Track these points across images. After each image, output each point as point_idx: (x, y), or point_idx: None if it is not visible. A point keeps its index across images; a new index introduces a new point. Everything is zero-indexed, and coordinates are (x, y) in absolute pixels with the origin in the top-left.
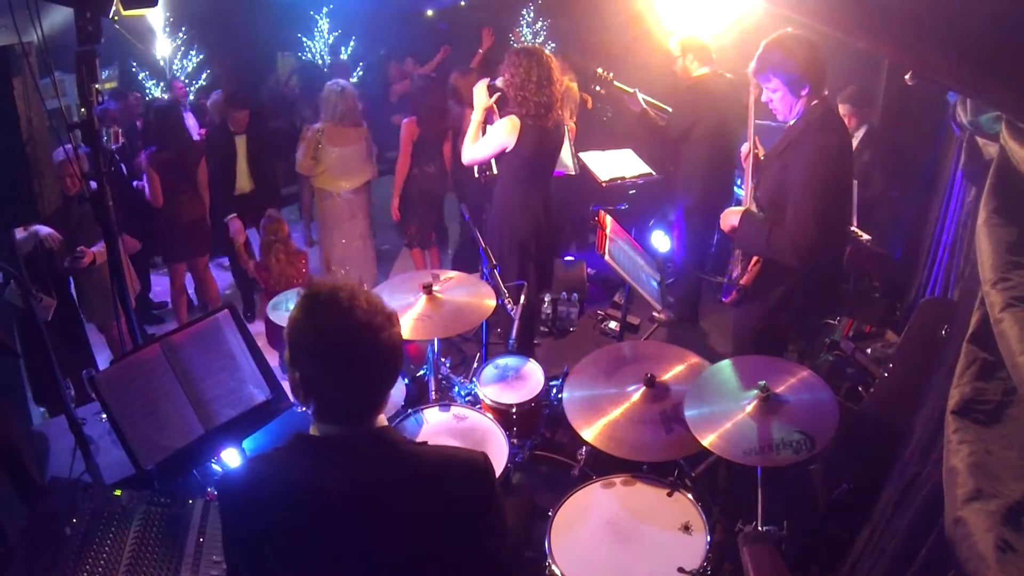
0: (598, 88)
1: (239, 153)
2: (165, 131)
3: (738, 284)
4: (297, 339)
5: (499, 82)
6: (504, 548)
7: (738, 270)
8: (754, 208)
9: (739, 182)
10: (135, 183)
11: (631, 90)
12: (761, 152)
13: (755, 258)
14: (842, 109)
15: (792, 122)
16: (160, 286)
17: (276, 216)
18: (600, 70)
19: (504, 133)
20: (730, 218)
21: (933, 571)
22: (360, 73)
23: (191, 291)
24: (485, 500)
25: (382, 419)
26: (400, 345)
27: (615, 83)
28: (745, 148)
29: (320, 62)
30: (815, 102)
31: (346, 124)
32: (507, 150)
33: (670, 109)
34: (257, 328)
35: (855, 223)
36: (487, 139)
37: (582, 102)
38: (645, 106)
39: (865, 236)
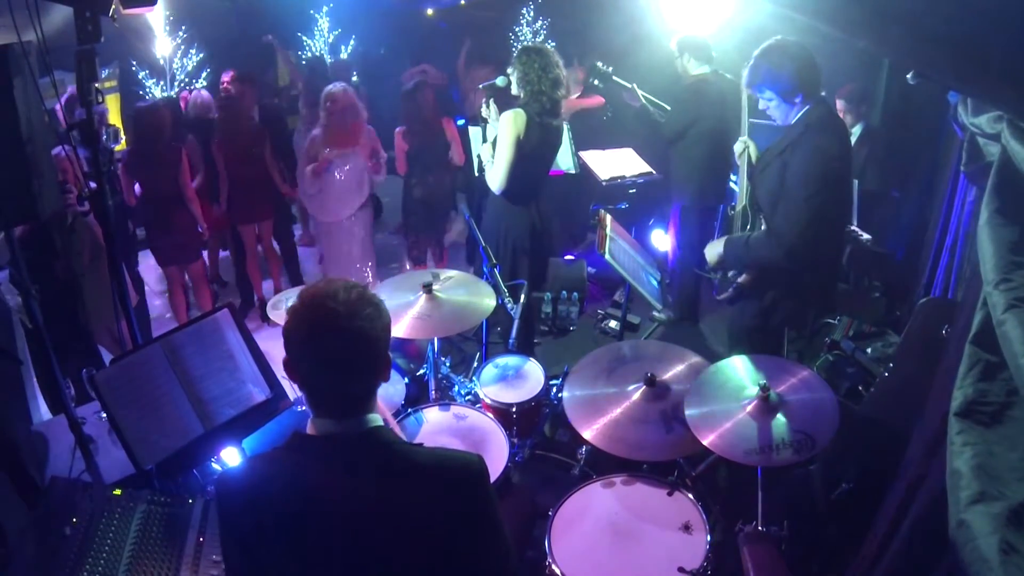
0: (596, 82)
1: None
2: (140, 134)
3: (736, 282)
4: (286, 328)
5: (499, 81)
6: (501, 552)
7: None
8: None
9: (734, 179)
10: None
11: (629, 85)
12: (754, 151)
13: None
14: (838, 106)
15: (792, 122)
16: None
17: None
18: (599, 63)
19: (513, 126)
20: (715, 249)
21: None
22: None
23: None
24: (480, 502)
25: (376, 418)
26: (385, 337)
27: (614, 77)
28: (739, 146)
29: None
30: (813, 103)
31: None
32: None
33: (668, 107)
34: (254, 321)
35: (855, 223)
36: (500, 145)
37: None
38: (644, 101)
39: (865, 236)
